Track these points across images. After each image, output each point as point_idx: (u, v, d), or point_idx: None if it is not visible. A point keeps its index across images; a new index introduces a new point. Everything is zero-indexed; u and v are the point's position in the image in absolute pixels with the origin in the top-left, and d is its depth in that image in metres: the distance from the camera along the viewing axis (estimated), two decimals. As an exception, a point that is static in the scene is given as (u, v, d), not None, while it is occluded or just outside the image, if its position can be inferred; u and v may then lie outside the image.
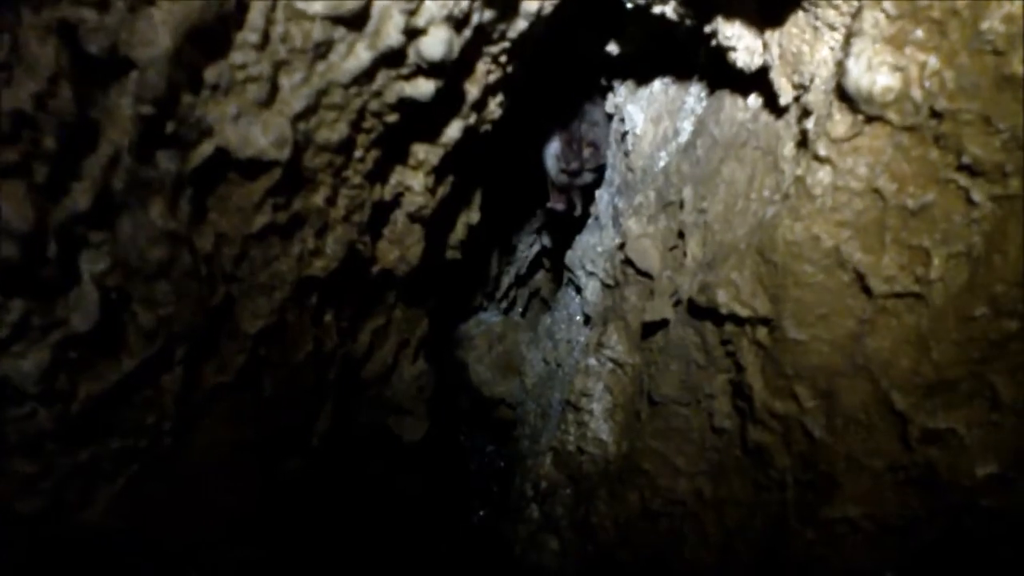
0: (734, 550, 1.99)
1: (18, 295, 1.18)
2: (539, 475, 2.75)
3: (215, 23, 1.33)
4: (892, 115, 1.44)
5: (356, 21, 1.47)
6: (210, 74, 1.36)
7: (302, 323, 1.79)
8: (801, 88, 1.69)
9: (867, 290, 1.57)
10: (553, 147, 2.71)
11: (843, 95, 1.49)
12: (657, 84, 2.35)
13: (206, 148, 1.39)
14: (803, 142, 1.65)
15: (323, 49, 1.48)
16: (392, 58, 1.56)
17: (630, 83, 2.48)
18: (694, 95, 2.19)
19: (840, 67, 1.50)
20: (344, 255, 1.77)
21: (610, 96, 2.66)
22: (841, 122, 1.51)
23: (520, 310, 3.96)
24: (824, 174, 1.56)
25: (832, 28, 1.60)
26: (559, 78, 2.66)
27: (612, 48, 2.36)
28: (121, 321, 1.36)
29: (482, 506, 3.97)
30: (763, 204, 1.80)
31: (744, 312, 1.75)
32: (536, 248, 3.71)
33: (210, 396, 1.60)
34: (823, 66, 1.62)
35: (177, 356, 1.47)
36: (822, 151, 1.54)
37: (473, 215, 2.42)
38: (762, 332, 1.76)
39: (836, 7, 1.56)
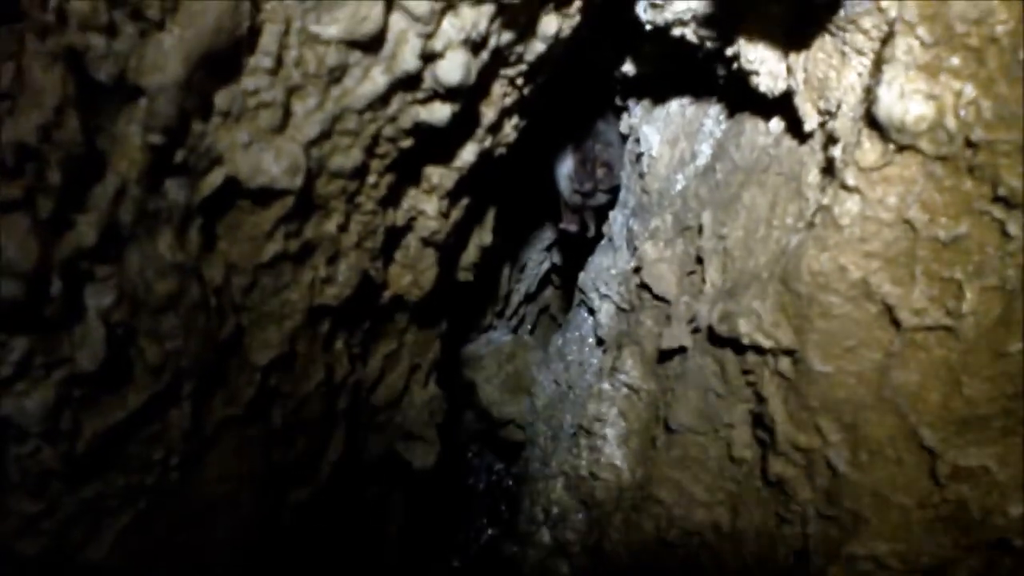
0: (754, 584, 1.92)
1: (21, 333, 1.12)
2: (550, 499, 2.69)
3: (227, 48, 1.27)
4: (925, 144, 1.37)
5: (372, 45, 1.42)
6: (221, 100, 1.31)
7: (313, 352, 1.73)
8: (827, 114, 1.63)
9: (896, 322, 1.51)
10: (566, 167, 2.64)
11: (873, 123, 1.43)
12: (674, 105, 2.29)
13: (216, 177, 1.33)
14: (829, 169, 1.60)
15: (338, 74, 1.42)
16: (408, 83, 1.51)
17: (646, 103, 2.42)
18: (713, 117, 2.14)
19: (870, 94, 1.45)
20: (357, 282, 1.72)
21: (625, 116, 2.60)
22: (871, 151, 1.45)
23: (529, 327, 3.90)
24: (852, 204, 1.50)
25: (860, 53, 1.54)
26: (573, 97, 2.60)
27: (628, 68, 2.31)
28: (127, 356, 1.30)
29: (490, 526, 3.90)
30: (786, 231, 1.74)
31: (767, 343, 1.69)
32: (546, 265, 3.66)
33: (218, 429, 1.54)
34: (851, 92, 1.56)
35: (185, 391, 1.41)
36: (850, 180, 1.48)
37: (486, 237, 2.36)
38: (785, 363, 1.70)
39: (865, 32, 1.51)
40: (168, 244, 1.27)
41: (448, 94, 1.56)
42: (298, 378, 1.72)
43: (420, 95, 1.56)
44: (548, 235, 3.49)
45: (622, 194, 2.66)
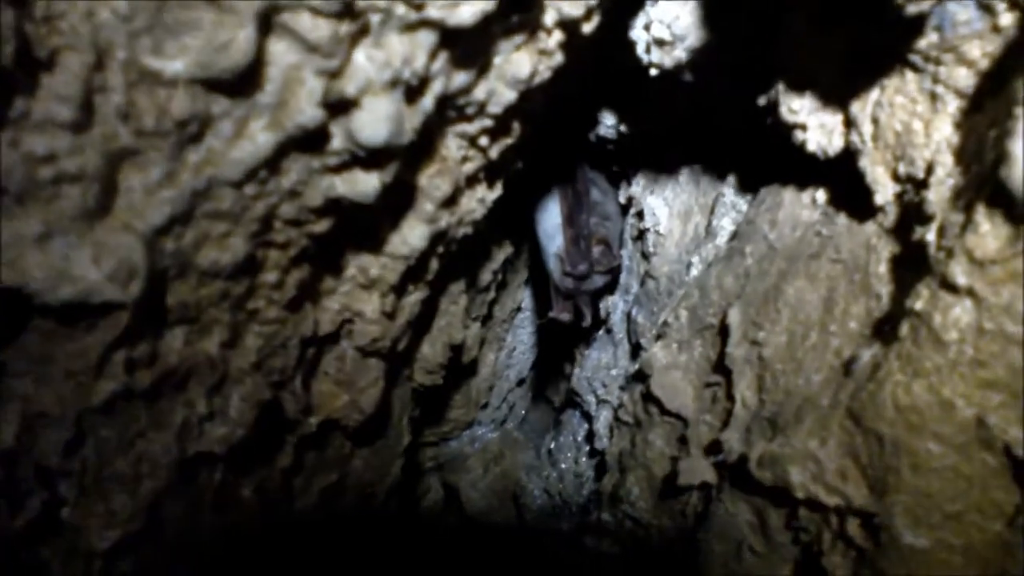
0: None
1: None
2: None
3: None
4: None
5: (243, 87, 0.89)
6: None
7: (195, 514, 1.18)
8: (909, 181, 1.11)
9: (1024, 480, 0.98)
10: (556, 245, 2.08)
11: (998, 194, 0.91)
12: (686, 171, 1.76)
13: (-16, 289, 0.80)
14: (916, 260, 1.08)
15: (194, 129, 0.90)
16: (308, 142, 0.98)
17: (650, 169, 1.89)
18: (734, 186, 1.60)
19: (985, 152, 0.93)
20: (255, 417, 1.17)
21: (624, 185, 2.07)
22: (991, 235, 0.95)
23: (522, 412, 3.32)
24: (962, 311, 0.99)
25: (961, 95, 1.03)
26: (561, 159, 2.06)
27: (626, 127, 1.79)
28: None
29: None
30: (849, 340, 1.23)
31: (830, 500, 1.17)
32: (534, 355, 3.10)
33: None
34: (947, 150, 1.06)
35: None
36: (960, 278, 0.97)
37: (456, 332, 1.80)
38: (854, 526, 1.16)
39: (971, 64, 1.00)
40: None
41: (372, 159, 1.03)
42: (174, 554, 1.16)
43: (331, 160, 1.02)
44: (526, 313, 2.94)
45: (623, 277, 2.11)
